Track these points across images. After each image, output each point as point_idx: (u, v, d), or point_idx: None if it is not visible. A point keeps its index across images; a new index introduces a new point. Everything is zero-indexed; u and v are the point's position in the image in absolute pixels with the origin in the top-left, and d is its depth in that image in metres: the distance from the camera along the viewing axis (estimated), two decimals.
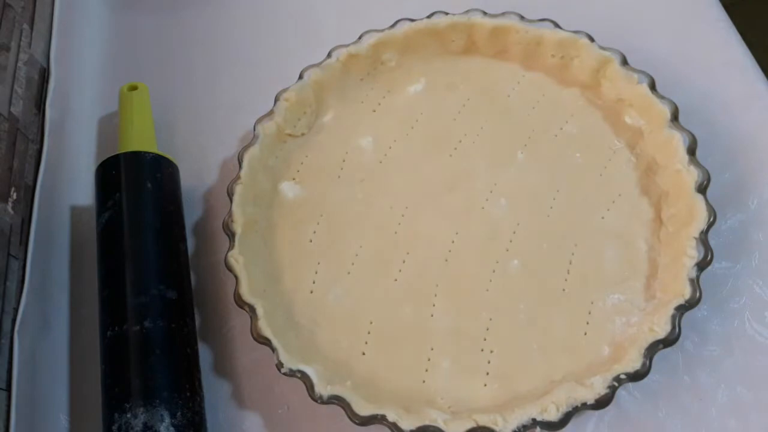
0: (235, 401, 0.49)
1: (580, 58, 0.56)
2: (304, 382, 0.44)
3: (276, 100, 0.56)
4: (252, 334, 0.46)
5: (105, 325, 0.48)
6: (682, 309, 0.44)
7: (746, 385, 0.46)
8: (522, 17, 0.57)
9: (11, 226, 0.53)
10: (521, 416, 0.42)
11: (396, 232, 0.52)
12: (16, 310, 0.51)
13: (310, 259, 0.52)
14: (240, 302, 0.47)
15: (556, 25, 0.57)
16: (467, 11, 0.58)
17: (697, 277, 0.45)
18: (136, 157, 0.54)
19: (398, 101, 0.59)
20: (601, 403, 0.42)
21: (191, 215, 0.57)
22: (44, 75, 0.63)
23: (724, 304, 0.49)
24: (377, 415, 0.43)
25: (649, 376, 0.43)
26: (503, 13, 0.58)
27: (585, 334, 0.47)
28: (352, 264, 0.51)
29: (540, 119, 0.56)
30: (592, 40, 0.56)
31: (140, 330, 0.46)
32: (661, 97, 0.52)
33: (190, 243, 0.55)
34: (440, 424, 0.42)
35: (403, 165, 0.55)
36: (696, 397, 0.46)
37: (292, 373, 0.44)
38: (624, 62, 0.55)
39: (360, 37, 0.58)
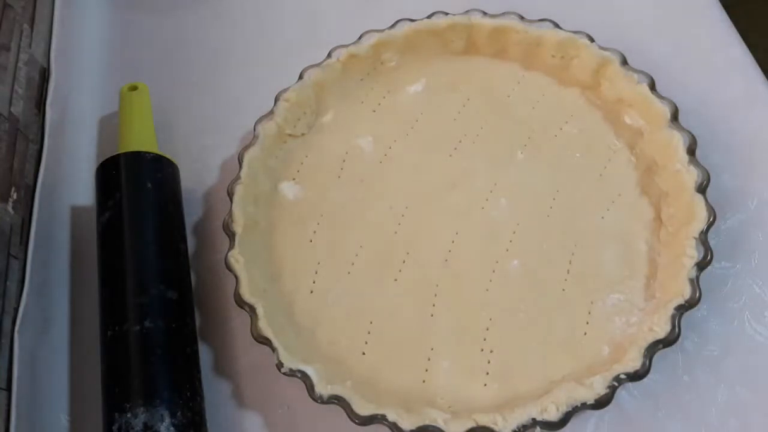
0: (235, 401, 0.49)
1: (580, 58, 0.56)
2: (304, 382, 0.44)
3: (276, 100, 0.56)
4: (252, 334, 0.46)
5: (105, 325, 0.48)
6: (682, 309, 0.44)
7: (746, 385, 0.46)
8: (522, 17, 0.57)
9: (11, 226, 0.53)
10: (521, 416, 0.42)
11: (396, 232, 0.52)
12: (16, 310, 0.51)
13: (310, 259, 0.52)
14: (240, 302, 0.47)
15: (556, 25, 0.57)
16: (467, 11, 0.58)
17: (697, 277, 0.45)
18: (136, 157, 0.54)
19: (398, 101, 0.59)
20: (601, 403, 0.42)
21: (191, 215, 0.57)
22: (44, 75, 0.63)
23: (723, 304, 0.49)
24: (377, 414, 0.43)
25: (649, 376, 0.43)
26: (503, 13, 0.58)
27: (585, 334, 0.47)
28: (352, 264, 0.51)
29: (540, 119, 0.56)
30: (592, 40, 0.56)
31: (140, 330, 0.46)
32: (661, 97, 0.52)
33: (190, 243, 0.55)
34: (440, 424, 0.42)
35: (403, 165, 0.55)
36: (696, 397, 0.46)
37: (292, 373, 0.44)
38: (624, 62, 0.55)
39: (360, 37, 0.58)
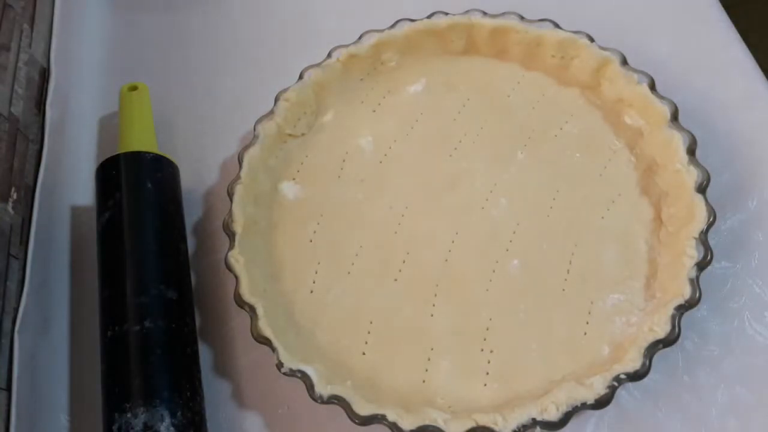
0: (235, 401, 0.49)
1: (580, 58, 0.56)
2: (304, 382, 0.44)
3: (276, 100, 0.56)
4: (252, 334, 0.46)
5: (105, 325, 0.48)
6: (682, 309, 0.44)
7: (746, 385, 0.46)
8: (522, 17, 0.57)
9: (11, 226, 0.53)
10: (521, 416, 0.42)
11: (396, 232, 0.52)
12: (16, 310, 0.51)
13: (310, 259, 0.52)
14: (240, 302, 0.47)
15: (556, 25, 0.57)
16: (467, 11, 0.58)
17: (697, 277, 0.45)
18: (136, 157, 0.54)
19: (398, 101, 0.59)
20: (601, 403, 0.42)
21: (191, 215, 0.57)
22: (44, 75, 0.63)
23: (723, 304, 0.49)
24: (377, 414, 0.43)
25: (649, 376, 0.43)
26: (503, 14, 0.58)
27: (585, 334, 0.47)
28: (352, 264, 0.51)
29: (540, 119, 0.56)
30: (592, 40, 0.56)
31: (140, 330, 0.46)
32: (661, 97, 0.52)
33: (190, 243, 0.55)
34: (440, 424, 0.42)
35: (403, 165, 0.55)
36: (696, 397, 0.46)
37: (292, 373, 0.44)
38: (624, 62, 0.55)
39: (360, 37, 0.58)
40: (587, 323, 0.47)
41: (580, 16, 0.58)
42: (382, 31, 0.59)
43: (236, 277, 0.48)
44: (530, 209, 0.52)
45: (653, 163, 0.52)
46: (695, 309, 0.45)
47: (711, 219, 0.47)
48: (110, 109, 0.63)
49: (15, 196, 0.54)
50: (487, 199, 0.53)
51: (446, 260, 0.51)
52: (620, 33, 0.58)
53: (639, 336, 0.44)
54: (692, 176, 0.49)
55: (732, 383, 0.46)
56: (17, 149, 0.56)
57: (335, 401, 0.43)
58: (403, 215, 0.53)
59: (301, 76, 0.57)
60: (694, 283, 0.45)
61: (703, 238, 0.46)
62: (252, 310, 0.47)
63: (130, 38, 0.68)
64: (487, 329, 0.48)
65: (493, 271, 0.50)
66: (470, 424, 0.42)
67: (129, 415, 0.43)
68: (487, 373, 0.46)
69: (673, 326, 0.44)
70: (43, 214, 0.56)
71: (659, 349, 0.43)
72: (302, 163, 0.56)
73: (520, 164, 0.54)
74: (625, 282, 0.48)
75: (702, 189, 0.48)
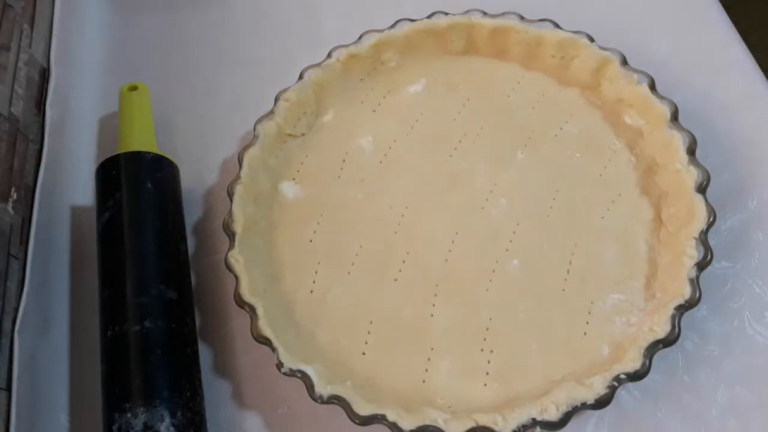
0: (235, 401, 0.49)
1: (580, 59, 0.56)
2: (304, 382, 0.44)
3: (276, 100, 0.56)
4: (252, 334, 0.46)
5: (105, 325, 0.48)
6: (682, 309, 0.44)
7: (746, 385, 0.46)
8: (522, 17, 0.57)
9: (11, 226, 0.53)
10: (521, 416, 0.42)
11: (396, 232, 0.52)
12: (16, 310, 0.51)
13: (310, 259, 0.52)
14: (240, 302, 0.47)
15: (556, 25, 0.57)
16: (467, 11, 0.58)
17: (697, 277, 0.45)
18: (136, 157, 0.54)
19: (398, 101, 0.59)
20: (601, 402, 0.42)
21: (191, 215, 0.57)
22: (44, 75, 0.63)
23: (723, 304, 0.49)
24: (377, 414, 0.43)
25: (649, 376, 0.43)
26: (503, 14, 0.58)
27: (585, 334, 0.47)
28: (352, 264, 0.51)
29: (540, 119, 0.56)
30: (592, 40, 0.56)
31: (140, 330, 0.46)
32: (661, 97, 0.52)
33: (190, 243, 0.55)
34: (440, 424, 0.42)
35: (403, 165, 0.55)
36: (696, 397, 0.46)
37: (292, 373, 0.44)
38: (624, 62, 0.55)
39: (360, 37, 0.58)
40: (587, 323, 0.47)
41: (580, 16, 0.58)
42: (382, 31, 0.59)
43: (236, 277, 0.48)
44: (530, 209, 0.52)
45: (653, 163, 0.52)
46: (695, 309, 0.45)
47: (711, 219, 0.47)
48: (110, 109, 0.63)
49: (15, 196, 0.54)
50: (487, 199, 0.53)
51: (446, 260, 0.51)
52: (620, 33, 0.58)
53: (639, 336, 0.44)
54: (692, 176, 0.49)
55: (732, 383, 0.46)
56: (17, 149, 0.56)
57: (335, 401, 0.43)
58: (403, 215, 0.53)
59: (301, 76, 0.57)
60: (694, 283, 0.45)
61: (703, 238, 0.46)
62: (252, 310, 0.47)
63: (130, 38, 0.69)
64: (487, 329, 0.48)
65: (493, 271, 0.50)
66: (470, 424, 0.42)
67: (129, 415, 0.43)
68: (487, 373, 0.46)
69: (673, 326, 0.44)
70: (43, 214, 0.56)
71: (659, 349, 0.43)
72: (302, 163, 0.56)
73: (520, 164, 0.54)
74: (625, 282, 0.48)
75: (702, 189, 0.48)
